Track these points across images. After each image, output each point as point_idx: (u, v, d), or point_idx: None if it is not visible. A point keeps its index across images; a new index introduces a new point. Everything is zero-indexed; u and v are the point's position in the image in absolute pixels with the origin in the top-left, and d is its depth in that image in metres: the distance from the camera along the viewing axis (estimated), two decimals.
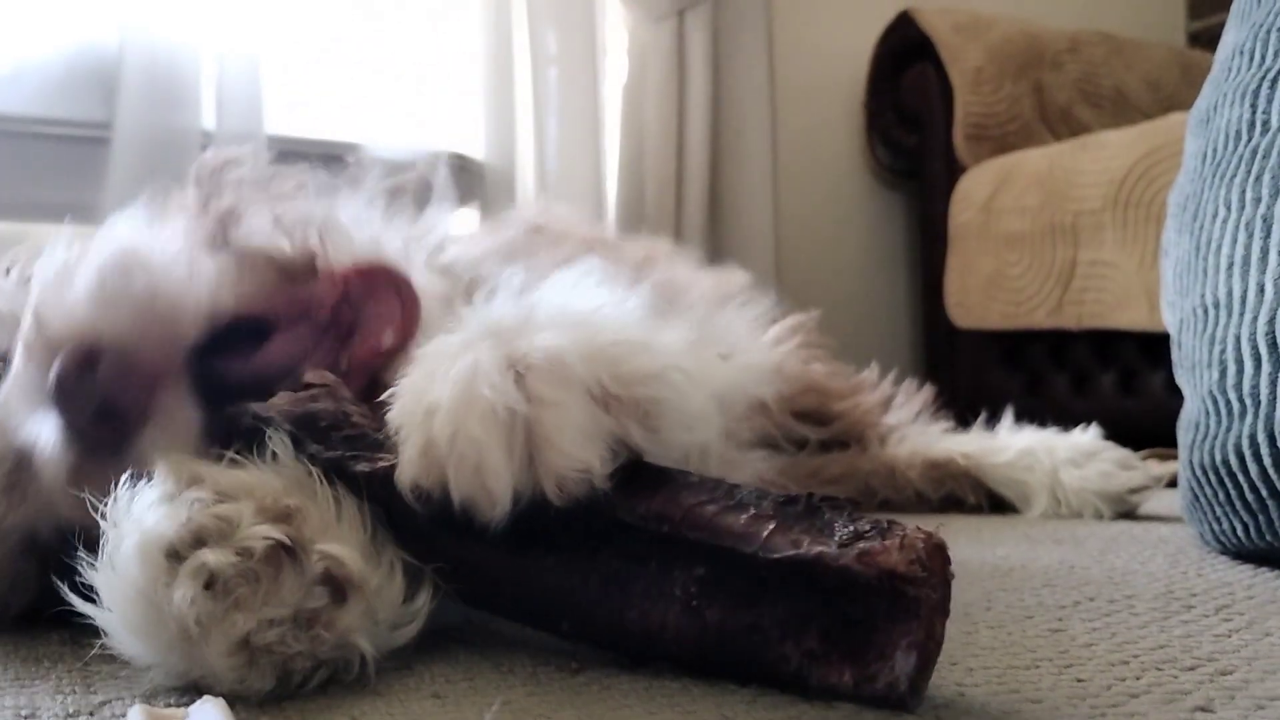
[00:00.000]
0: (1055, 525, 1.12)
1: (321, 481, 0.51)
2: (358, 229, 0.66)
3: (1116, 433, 1.31)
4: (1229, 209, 0.83)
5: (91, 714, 0.46)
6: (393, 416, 0.51)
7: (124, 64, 2.03)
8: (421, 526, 0.50)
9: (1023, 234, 2.33)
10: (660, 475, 0.49)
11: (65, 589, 0.48)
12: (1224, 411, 0.81)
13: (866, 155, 2.78)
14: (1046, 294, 2.32)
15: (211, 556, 0.43)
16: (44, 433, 0.54)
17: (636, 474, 0.49)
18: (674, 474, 0.49)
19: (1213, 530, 0.85)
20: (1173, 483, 1.35)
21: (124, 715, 0.45)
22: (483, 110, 2.35)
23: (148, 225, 0.60)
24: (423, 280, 0.64)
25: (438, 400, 0.49)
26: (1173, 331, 0.94)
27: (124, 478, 0.49)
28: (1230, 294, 0.81)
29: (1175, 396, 2.55)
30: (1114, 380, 2.31)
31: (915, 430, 1.35)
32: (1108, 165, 2.15)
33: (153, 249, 0.58)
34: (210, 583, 0.43)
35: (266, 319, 0.59)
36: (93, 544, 0.51)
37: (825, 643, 0.44)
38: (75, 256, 0.58)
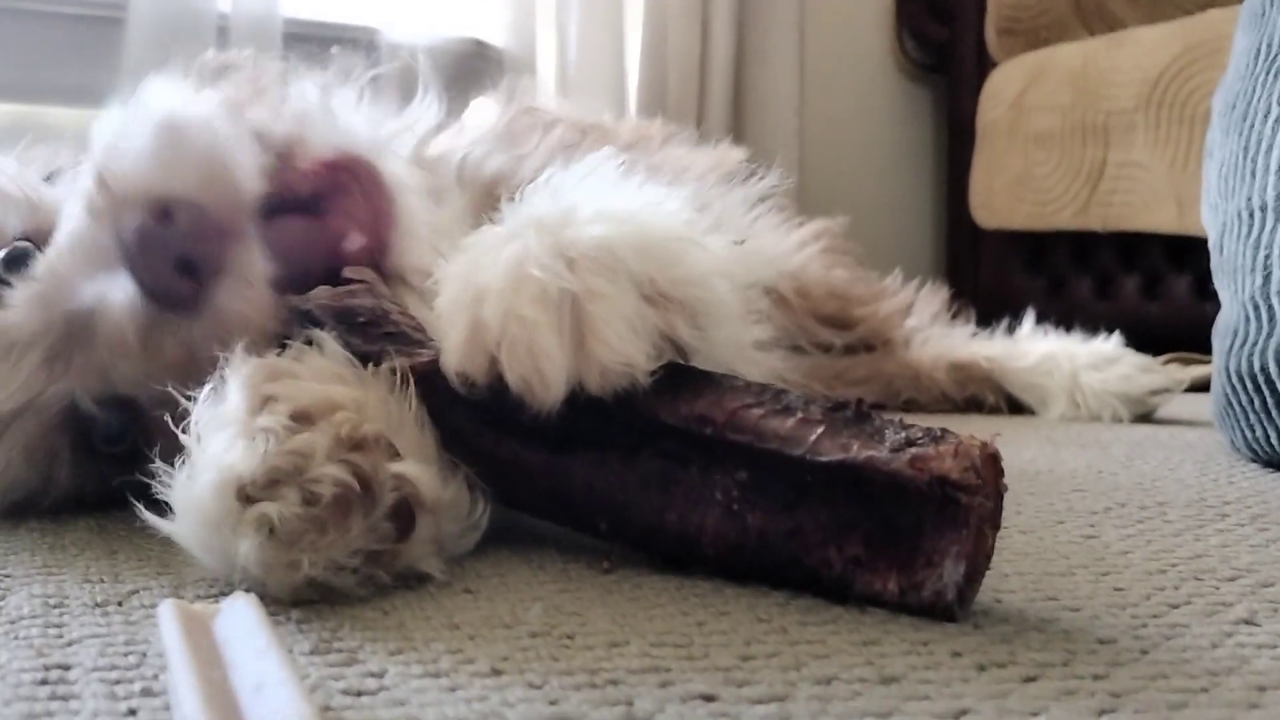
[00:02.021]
0: (1079, 429, 1.11)
1: (406, 382, 0.49)
2: (340, 117, 0.63)
3: (1138, 337, 1.31)
4: None
5: (120, 604, 0.46)
6: (439, 304, 0.50)
7: None
8: (461, 424, 0.49)
9: (1052, 132, 2.28)
10: (705, 378, 0.48)
11: (132, 498, 0.47)
12: (1265, 317, 0.79)
13: (895, 49, 2.71)
14: (1074, 195, 2.28)
15: (274, 508, 0.42)
16: (113, 293, 0.53)
17: (681, 376, 0.48)
18: (719, 378, 0.47)
19: (1245, 438, 0.84)
20: (1193, 388, 1.34)
21: (153, 606, 0.44)
22: None
23: (186, 94, 0.59)
24: (400, 173, 0.61)
25: (486, 283, 0.47)
26: (1213, 235, 0.91)
27: (203, 389, 0.48)
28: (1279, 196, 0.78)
29: (1199, 301, 2.51)
30: (1138, 284, 2.28)
31: (938, 333, 1.35)
32: (1141, 63, 2.09)
33: (200, 114, 0.56)
34: (275, 529, 0.42)
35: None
36: (137, 419, 0.53)
37: (870, 549, 0.43)
38: (130, 118, 0.56)
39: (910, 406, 1.27)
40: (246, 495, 0.43)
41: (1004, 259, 2.44)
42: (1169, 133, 2.10)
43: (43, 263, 0.56)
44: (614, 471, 0.48)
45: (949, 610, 0.42)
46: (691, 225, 0.51)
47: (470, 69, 2.30)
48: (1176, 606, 0.46)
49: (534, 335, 0.46)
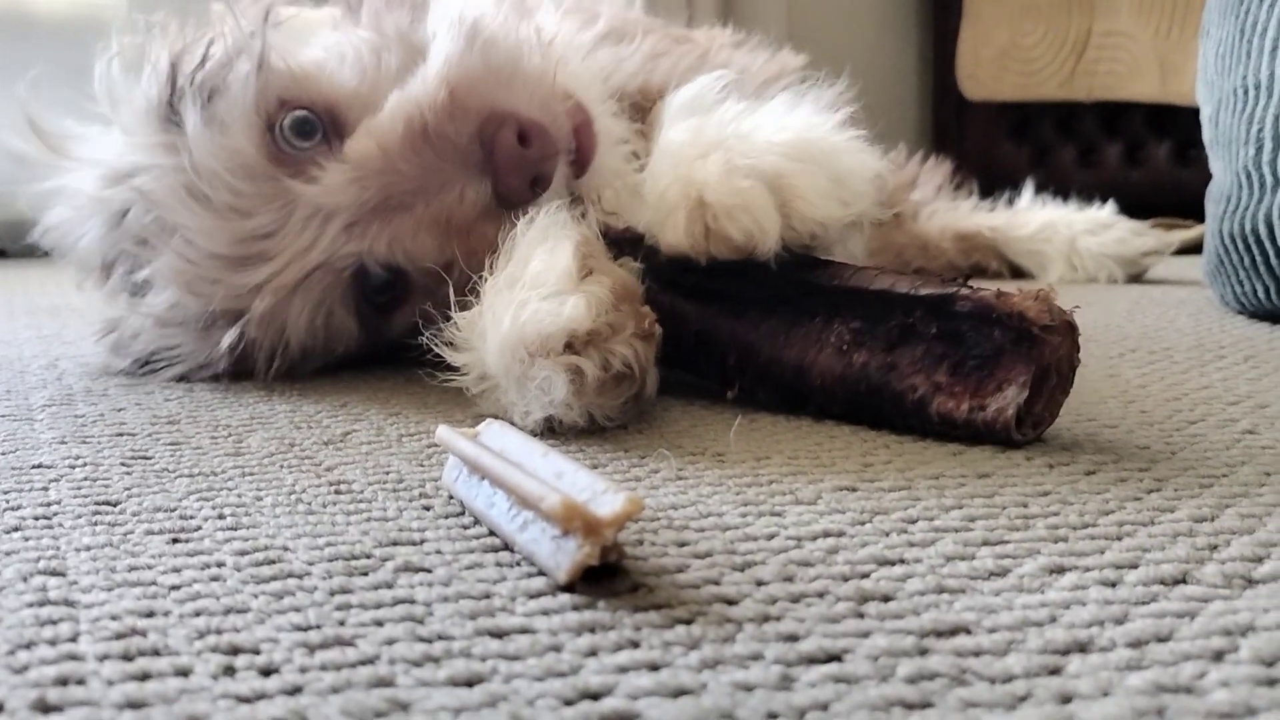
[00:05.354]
0: (1080, 291, 1.22)
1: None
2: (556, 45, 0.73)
3: (1120, 203, 1.40)
4: None
5: (341, 441, 0.55)
6: (647, 202, 0.61)
7: None
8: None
9: (1039, 2, 2.34)
10: (829, 259, 0.61)
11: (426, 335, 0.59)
12: (1256, 185, 0.89)
13: None
14: (1060, 65, 2.34)
15: (589, 367, 0.52)
16: (461, 187, 0.63)
17: (812, 255, 0.60)
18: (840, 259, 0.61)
19: (1235, 292, 0.95)
20: (1180, 250, 1.45)
21: (366, 444, 0.54)
22: None
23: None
24: (603, 109, 0.70)
25: (703, 179, 0.57)
26: (1208, 110, 1.00)
27: (528, 235, 0.58)
28: (1272, 76, 0.88)
29: (1178, 167, 2.58)
30: (1120, 151, 2.37)
31: (943, 206, 1.44)
32: None
33: (514, 32, 0.67)
34: (583, 378, 0.53)
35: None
36: (404, 282, 0.66)
37: (952, 377, 0.53)
38: (452, 30, 0.65)
39: (920, 274, 1.36)
40: (570, 345, 0.53)
41: (989, 129, 2.52)
42: (1154, 1, 2.16)
43: (361, 144, 0.63)
44: (751, 320, 0.59)
45: (1007, 429, 0.51)
46: (849, 137, 0.61)
47: None
48: (1193, 423, 0.57)
49: (750, 199, 0.56)
